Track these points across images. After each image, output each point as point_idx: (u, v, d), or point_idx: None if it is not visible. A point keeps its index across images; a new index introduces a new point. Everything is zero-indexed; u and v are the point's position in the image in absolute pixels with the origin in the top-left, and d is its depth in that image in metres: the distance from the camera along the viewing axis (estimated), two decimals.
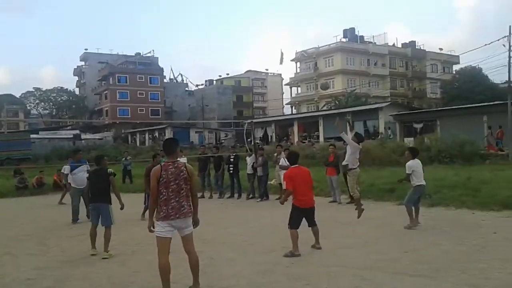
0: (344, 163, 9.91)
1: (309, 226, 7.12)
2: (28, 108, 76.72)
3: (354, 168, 9.60)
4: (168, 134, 51.86)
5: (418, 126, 33.06)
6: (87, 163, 11.33)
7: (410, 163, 8.76)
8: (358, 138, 9.90)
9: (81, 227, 9.97)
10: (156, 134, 54.99)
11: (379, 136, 32.51)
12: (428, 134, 26.35)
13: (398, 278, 5.58)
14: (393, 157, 19.69)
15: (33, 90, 75.23)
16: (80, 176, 10.73)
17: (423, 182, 8.78)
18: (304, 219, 7.01)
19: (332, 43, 62.26)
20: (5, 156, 35.94)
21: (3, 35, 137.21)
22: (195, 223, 5.25)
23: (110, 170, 8.01)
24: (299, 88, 66.98)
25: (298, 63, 66.38)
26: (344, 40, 63.67)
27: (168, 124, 53.79)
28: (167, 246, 5.04)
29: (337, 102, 52.73)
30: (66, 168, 11.00)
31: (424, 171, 8.93)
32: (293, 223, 6.87)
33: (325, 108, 54.18)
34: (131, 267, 6.57)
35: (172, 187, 5.00)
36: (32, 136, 45.20)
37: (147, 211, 9.90)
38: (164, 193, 4.98)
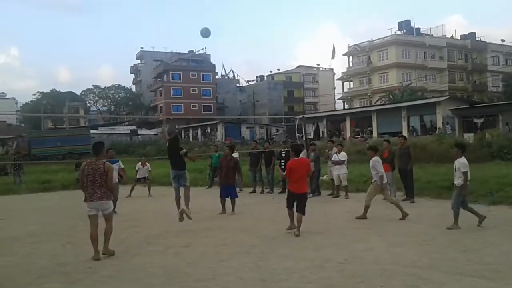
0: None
1: (296, 212, 8.12)
2: (88, 105, 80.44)
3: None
4: (220, 129, 52.59)
5: (479, 121, 31.55)
6: (119, 162, 12.43)
7: (465, 160, 8.26)
8: None
9: (135, 219, 10.33)
10: (208, 129, 55.89)
11: (437, 132, 31.32)
12: (489, 129, 25.06)
13: (457, 278, 5.35)
14: (452, 154, 18.89)
15: (93, 87, 78.89)
16: None
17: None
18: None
19: (387, 36, 60.59)
20: (67, 151, 37.88)
21: (65, 35, 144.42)
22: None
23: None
24: (351, 83, 65.77)
25: (351, 57, 65.17)
26: (399, 32, 61.75)
27: (219, 119, 54.51)
28: (95, 220, 6.79)
29: (391, 97, 51.32)
30: None
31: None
32: (288, 204, 8.33)
33: (378, 102, 52.89)
34: (185, 258, 6.71)
35: (90, 178, 6.72)
36: (92, 131, 47.28)
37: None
38: (85, 182, 6.76)
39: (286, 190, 8.61)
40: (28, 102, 79.69)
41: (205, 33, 12.87)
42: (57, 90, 77.41)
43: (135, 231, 9.04)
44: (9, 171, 21.73)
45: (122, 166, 12.67)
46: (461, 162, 8.17)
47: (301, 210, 8.07)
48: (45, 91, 77.06)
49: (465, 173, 8.08)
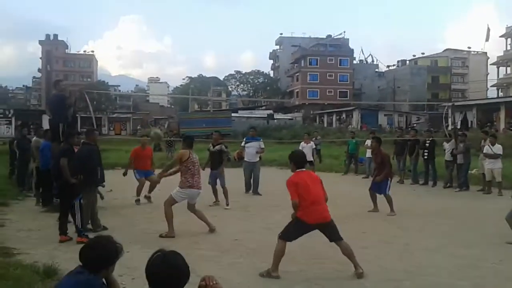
0: None
1: (330, 241, 5.28)
2: (230, 89, 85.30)
3: None
4: (356, 116, 51.47)
5: None
6: (261, 140, 12.51)
7: None
8: None
9: (276, 199, 10.52)
10: (344, 116, 55.08)
11: None
12: None
13: None
14: None
15: (234, 73, 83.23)
16: (250, 150, 11.66)
17: None
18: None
19: None
20: (211, 131, 40.60)
21: (212, 24, 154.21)
22: None
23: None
24: (508, 68, 58.81)
25: (509, 39, 58.12)
26: None
27: (355, 106, 53.31)
28: None
29: None
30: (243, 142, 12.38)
31: None
32: (290, 235, 5.16)
33: None
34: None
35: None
36: (232, 114, 49.95)
37: None
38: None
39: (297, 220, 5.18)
40: (178, 86, 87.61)
41: None
42: (203, 75, 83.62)
43: (275, 210, 9.01)
44: (163, 148, 24.36)
45: (263, 146, 12.17)
46: None
47: (339, 237, 5.22)
48: (192, 76, 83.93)
49: None
